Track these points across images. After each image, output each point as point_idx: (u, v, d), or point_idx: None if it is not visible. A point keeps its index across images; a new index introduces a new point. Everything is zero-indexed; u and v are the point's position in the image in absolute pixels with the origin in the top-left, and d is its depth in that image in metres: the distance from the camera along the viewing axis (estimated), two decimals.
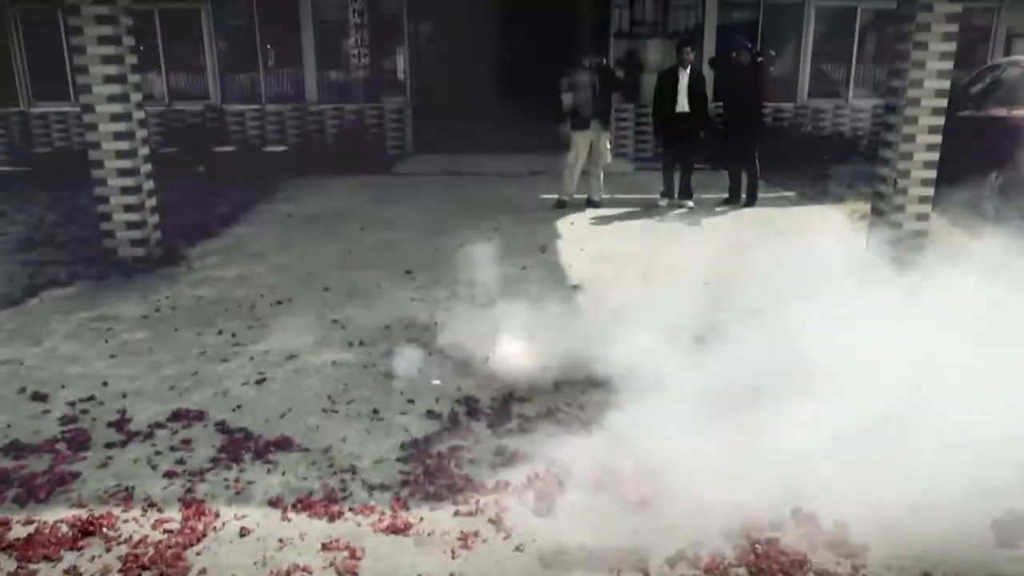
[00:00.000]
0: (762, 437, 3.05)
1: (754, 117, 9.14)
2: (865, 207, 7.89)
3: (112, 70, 6.30)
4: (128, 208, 6.57)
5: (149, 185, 6.78)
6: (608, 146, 9.09)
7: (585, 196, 9.08)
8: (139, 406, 3.98)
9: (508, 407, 3.89)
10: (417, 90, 12.61)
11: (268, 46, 12.48)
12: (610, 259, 6.75)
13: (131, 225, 6.60)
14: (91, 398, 4.07)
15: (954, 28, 6.25)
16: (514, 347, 4.31)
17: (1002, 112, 8.34)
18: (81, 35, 6.23)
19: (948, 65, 6.31)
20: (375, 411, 3.89)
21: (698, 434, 3.13)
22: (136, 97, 6.55)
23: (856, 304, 3.84)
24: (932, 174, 6.44)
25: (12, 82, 12.29)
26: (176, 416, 3.85)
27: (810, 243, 7.24)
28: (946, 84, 6.36)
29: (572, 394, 4.01)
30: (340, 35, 12.37)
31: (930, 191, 6.48)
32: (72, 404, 4.00)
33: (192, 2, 12.01)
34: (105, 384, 4.25)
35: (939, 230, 7.13)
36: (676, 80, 8.95)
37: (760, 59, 9.06)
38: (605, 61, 9.36)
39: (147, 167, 6.74)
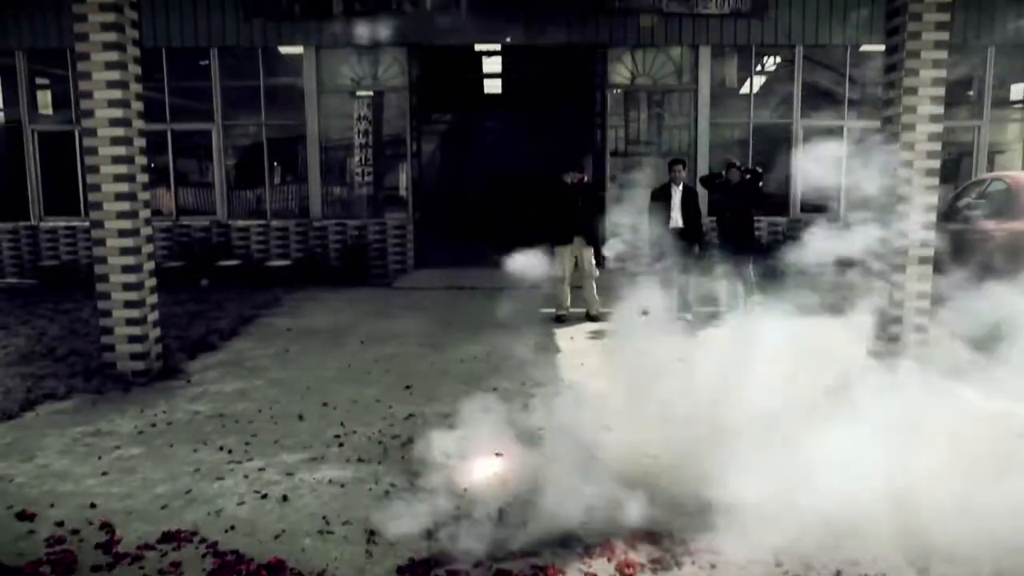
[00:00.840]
0: None
1: (747, 231, 9.37)
2: (866, 319, 7.94)
3: (124, 188, 6.48)
4: (130, 322, 6.61)
5: (153, 299, 6.85)
6: (594, 260, 9.22)
7: (583, 310, 9.16)
8: (129, 526, 3.89)
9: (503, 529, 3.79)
10: (419, 206, 12.91)
11: (275, 163, 12.87)
12: (610, 376, 6.72)
13: (132, 339, 6.62)
14: (80, 518, 3.98)
15: (938, 129, 6.47)
16: (496, 476, 4.27)
17: (991, 226, 8.52)
18: (96, 155, 6.44)
19: (934, 181, 6.51)
20: (371, 532, 3.80)
21: None
22: (145, 214, 6.71)
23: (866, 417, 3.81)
24: (926, 288, 6.53)
25: (25, 197, 12.61)
26: (167, 537, 3.75)
27: (816, 355, 7.24)
28: (934, 199, 6.54)
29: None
30: (345, 153, 12.78)
31: (926, 303, 6.55)
32: (60, 524, 3.91)
33: (204, 123, 12.47)
34: (93, 506, 4.15)
35: (939, 340, 7.15)
36: (669, 197, 9.20)
37: (749, 176, 9.33)
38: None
39: (152, 281, 6.83)
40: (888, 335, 6.61)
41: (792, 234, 12.58)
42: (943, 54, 6.40)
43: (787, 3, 12.28)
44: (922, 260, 6.54)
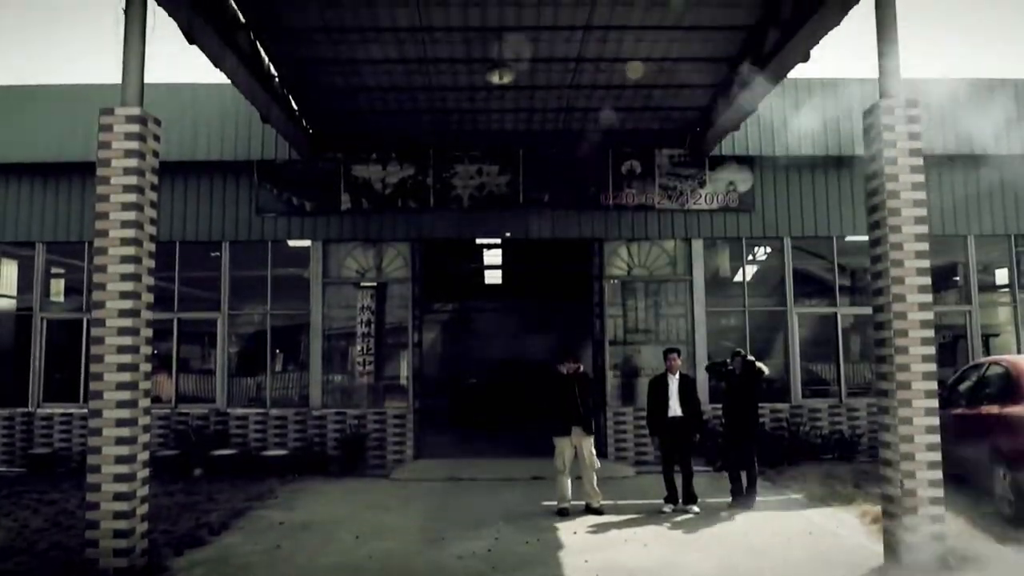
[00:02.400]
0: None
1: (751, 420, 9.33)
2: (876, 509, 7.70)
3: (126, 377, 6.51)
4: (118, 515, 6.39)
5: (144, 491, 6.67)
6: (593, 451, 9.04)
7: (584, 503, 8.90)
8: None
9: None
10: (420, 395, 12.90)
11: (277, 351, 12.99)
12: (618, 573, 6.42)
13: (118, 534, 6.38)
14: None
15: (927, 300, 6.56)
16: None
17: (995, 409, 8.47)
18: (102, 344, 6.52)
19: (932, 367, 6.55)
20: None
21: None
22: (144, 403, 6.70)
23: None
24: (938, 475, 6.38)
25: (25, 383, 12.62)
26: None
27: (827, 552, 6.96)
28: (934, 384, 6.55)
29: None
30: (347, 341, 12.93)
31: (939, 491, 6.37)
32: None
33: (211, 312, 12.73)
34: None
35: (959, 532, 6.90)
36: (666, 386, 9.20)
37: (752, 364, 9.41)
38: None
39: (144, 473, 6.69)
40: (904, 527, 6.37)
41: (796, 421, 12.49)
42: (925, 245, 6.65)
43: (772, 200, 12.92)
44: (930, 447, 6.43)
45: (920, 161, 6.74)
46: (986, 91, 12.50)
